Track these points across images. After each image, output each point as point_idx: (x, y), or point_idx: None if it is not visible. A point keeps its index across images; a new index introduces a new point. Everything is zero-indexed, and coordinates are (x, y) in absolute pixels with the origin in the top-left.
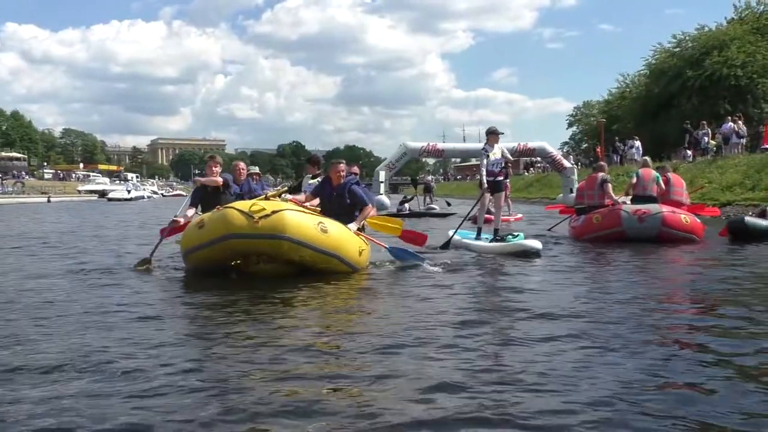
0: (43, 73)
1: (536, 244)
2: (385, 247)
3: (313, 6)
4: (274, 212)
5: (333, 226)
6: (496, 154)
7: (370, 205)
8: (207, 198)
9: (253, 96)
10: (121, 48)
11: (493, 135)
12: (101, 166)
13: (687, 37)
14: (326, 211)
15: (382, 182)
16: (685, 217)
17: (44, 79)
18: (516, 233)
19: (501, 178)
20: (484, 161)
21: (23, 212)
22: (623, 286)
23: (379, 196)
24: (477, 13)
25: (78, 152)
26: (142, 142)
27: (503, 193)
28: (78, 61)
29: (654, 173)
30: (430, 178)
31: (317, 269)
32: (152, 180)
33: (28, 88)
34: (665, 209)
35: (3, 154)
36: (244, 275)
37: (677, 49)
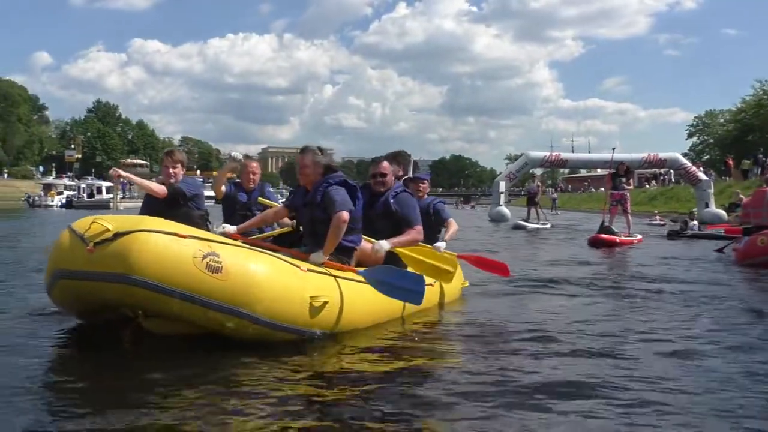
0: (164, 84)
1: None
2: (355, 272)
3: (419, 16)
4: (118, 235)
5: (241, 258)
6: None
7: (418, 227)
8: (156, 212)
9: (359, 106)
10: (235, 60)
11: None
12: (215, 173)
13: None
14: (370, 232)
15: (502, 193)
16: None
17: (165, 91)
18: None
19: None
20: None
21: None
22: None
23: (499, 207)
24: (587, 21)
25: (195, 159)
26: (254, 150)
27: None
28: (195, 73)
29: None
30: (536, 184)
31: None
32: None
33: (151, 99)
34: None
35: (128, 161)
36: (142, 336)
37: None
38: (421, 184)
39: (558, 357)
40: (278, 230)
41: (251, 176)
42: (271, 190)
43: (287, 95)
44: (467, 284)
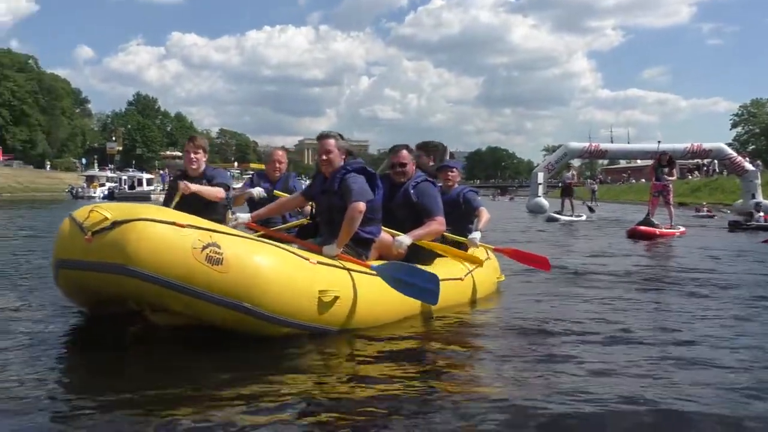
0: (202, 77)
1: None
2: (370, 267)
3: (455, 7)
4: (116, 223)
5: (243, 249)
6: None
7: (439, 218)
8: (189, 202)
9: (395, 97)
10: (272, 52)
11: None
12: (252, 165)
13: None
14: (392, 223)
15: (540, 184)
16: None
17: (202, 84)
18: None
19: None
20: None
21: None
22: None
23: (537, 199)
24: (627, 10)
25: (232, 152)
26: (290, 142)
27: None
28: (232, 65)
29: None
30: (570, 174)
31: (232, 331)
32: (299, 179)
33: (188, 92)
34: None
35: (168, 153)
36: (145, 336)
37: None
38: (449, 173)
39: (603, 364)
40: (301, 220)
41: (277, 165)
42: (300, 180)
43: (323, 87)
44: (503, 278)
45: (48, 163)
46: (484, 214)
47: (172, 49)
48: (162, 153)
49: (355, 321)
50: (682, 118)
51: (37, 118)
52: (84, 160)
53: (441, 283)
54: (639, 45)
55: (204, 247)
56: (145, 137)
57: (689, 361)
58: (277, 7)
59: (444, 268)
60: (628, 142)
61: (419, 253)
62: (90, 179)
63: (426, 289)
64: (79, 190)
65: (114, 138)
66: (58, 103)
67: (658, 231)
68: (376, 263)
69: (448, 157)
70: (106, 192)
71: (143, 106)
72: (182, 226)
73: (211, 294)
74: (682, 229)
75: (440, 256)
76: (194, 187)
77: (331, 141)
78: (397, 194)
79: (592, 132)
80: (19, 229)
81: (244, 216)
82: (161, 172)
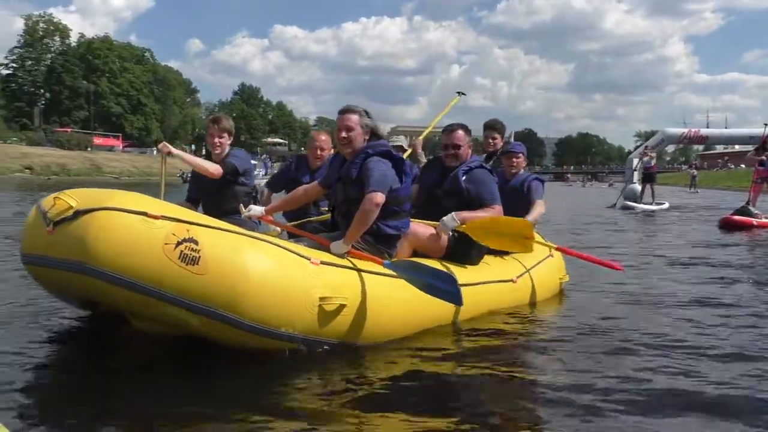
0: (301, 68)
1: None
2: (382, 264)
3: None
4: (78, 213)
5: (227, 246)
6: None
7: (497, 206)
8: (206, 190)
9: (486, 85)
10: (367, 43)
11: None
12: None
13: None
14: (438, 213)
15: (635, 170)
16: None
17: (302, 74)
18: None
19: None
20: None
21: None
22: None
23: (632, 185)
24: None
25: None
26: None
27: None
28: (330, 56)
29: None
30: (648, 159)
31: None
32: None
33: (289, 81)
34: None
35: (269, 139)
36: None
37: None
38: (515, 159)
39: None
40: (326, 215)
41: (318, 153)
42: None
43: (416, 76)
44: (567, 278)
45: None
46: (539, 207)
47: (275, 41)
48: (264, 140)
49: (366, 333)
50: None
51: (152, 107)
52: (193, 147)
53: (491, 285)
54: (739, 27)
55: (178, 243)
56: (249, 125)
57: None
58: None
59: (494, 268)
60: (726, 127)
61: (463, 246)
62: None
63: (446, 290)
64: (188, 175)
65: None
66: (170, 93)
67: (755, 221)
68: (388, 261)
69: (513, 140)
70: None
71: (247, 95)
72: (155, 217)
73: (184, 299)
74: None
75: (491, 253)
76: (177, 151)
77: (354, 116)
78: (446, 179)
79: (687, 117)
80: None
81: (257, 209)
82: (264, 157)
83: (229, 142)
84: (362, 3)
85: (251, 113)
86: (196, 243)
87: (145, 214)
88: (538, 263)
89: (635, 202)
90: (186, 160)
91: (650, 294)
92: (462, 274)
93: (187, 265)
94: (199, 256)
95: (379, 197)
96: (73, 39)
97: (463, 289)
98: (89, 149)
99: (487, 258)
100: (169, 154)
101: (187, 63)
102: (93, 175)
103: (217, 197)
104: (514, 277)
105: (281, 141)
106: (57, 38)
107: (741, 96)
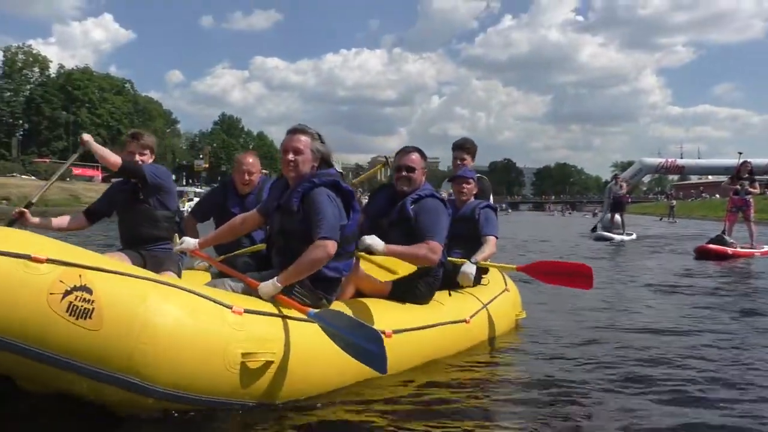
0: (281, 98)
1: None
2: (306, 315)
3: (524, 28)
4: None
5: (128, 295)
6: None
7: (432, 243)
8: (118, 207)
9: (465, 115)
10: (348, 74)
11: None
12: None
13: None
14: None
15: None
16: None
17: (282, 104)
18: None
19: None
20: None
21: None
22: None
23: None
24: (699, 26)
25: None
26: (363, 160)
27: None
28: (309, 87)
29: None
30: (619, 186)
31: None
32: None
33: (269, 111)
34: None
35: None
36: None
37: None
38: (465, 185)
39: None
40: (260, 245)
41: (246, 177)
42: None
43: (396, 107)
44: (524, 315)
45: None
46: (489, 246)
47: (255, 72)
48: None
49: (295, 390)
50: (755, 133)
51: None
52: (173, 177)
53: (441, 328)
54: (710, 61)
55: (67, 293)
56: (229, 155)
57: None
58: (353, 32)
59: (446, 307)
60: (699, 158)
61: (408, 285)
62: (179, 194)
63: (369, 351)
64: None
65: (201, 156)
66: (151, 124)
67: (730, 250)
68: (314, 310)
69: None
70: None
71: (228, 125)
72: (39, 260)
73: (73, 361)
74: (766, 248)
75: (445, 286)
76: (96, 146)
77: (305, 138)
78: (394, 209)
79: (661, 148)
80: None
81: (191, 241)
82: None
83: (151, 160)
84: (342, 35)
85: (232, 143)
86: (90, 292)
87: (27, 257)
88: (494, 299)
89: (610, 232)
90: (93, 148)
91: (616, 326)
92: (409, 315)
93: (77, 319)
94: (93, 308)
95: (332, 247)
96: (53, 70)
97: (408, 335)
98: (68, 179)
99: (438, 295)
100: (84, 144)
101: (168, 93)
102: (72, 205)
103: (132, 216)
104: (468, 316)
105: (264, 171)
106: (36, 69)
107: (713, 127)
